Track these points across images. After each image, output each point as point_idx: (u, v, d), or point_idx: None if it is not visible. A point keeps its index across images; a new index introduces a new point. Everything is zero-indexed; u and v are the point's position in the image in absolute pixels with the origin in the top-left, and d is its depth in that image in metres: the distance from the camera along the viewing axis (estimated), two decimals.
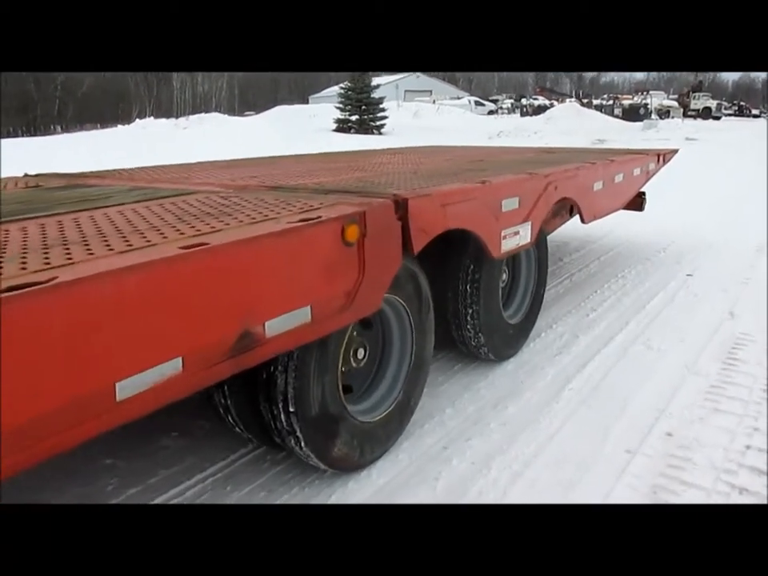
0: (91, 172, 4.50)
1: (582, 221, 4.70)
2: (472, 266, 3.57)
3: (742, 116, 53.40)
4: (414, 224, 2.74)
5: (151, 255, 1.80)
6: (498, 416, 3.39)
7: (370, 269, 2.51)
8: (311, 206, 2.52)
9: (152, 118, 36.94)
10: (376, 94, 34.58)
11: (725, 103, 57.75)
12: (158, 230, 2.12)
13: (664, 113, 40.47)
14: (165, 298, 1.80)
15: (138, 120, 35.84)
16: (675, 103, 44.74)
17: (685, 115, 40.08)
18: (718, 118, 44.54)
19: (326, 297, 2.35)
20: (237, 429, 2.81)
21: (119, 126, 33.77)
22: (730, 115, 51.29)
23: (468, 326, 3.69)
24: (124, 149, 18.30)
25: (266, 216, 2.34)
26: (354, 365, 2.89)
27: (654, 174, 6.19)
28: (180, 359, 1.88)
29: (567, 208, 5.56)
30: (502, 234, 3.48)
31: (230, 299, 1.99)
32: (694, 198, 10.18)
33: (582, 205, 4.54)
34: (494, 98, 63.98)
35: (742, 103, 60.37)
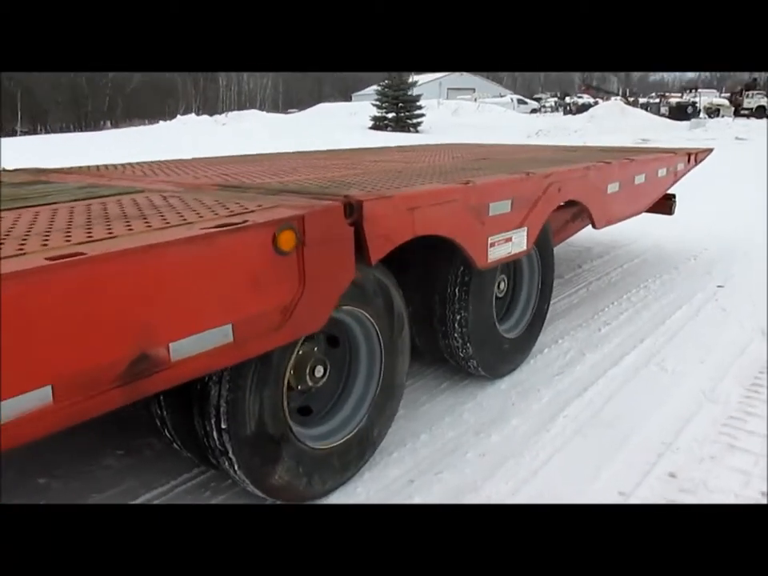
0: (72, 168, 4.30)
1: (593, 226, 4.28)
2: (462, 268, 3.21)
3: None
4: (370, 230, 2.40)
5: (9, 267, 1.52)
6: (477, 445, 3.02)
7: (312, 282, 2.19)
8: (246, 208, 2.22)
9: (193, 114, 37.43)
10: (418, 91, 34.34)
11: None
12: (45, 236, 1.84)
13: (713, 111, 38.92)
14: (25, 317, 1.51)
15: (179, 116, 36.35)
16: (726, 102, 42.99)
17: (737, 114, 38.45)
18: None
19: (253, 314, 2.04)
20: (175, 445, 2.53)
21: (161, 123, 34.32)
22: None
23: (455, 334, 3.33)
24: (161, 145, 18.46)
25: (185, 219, 2.05)
26: (310, 383, 2.57)
27: (683, 175, 5.69)
28: (50, 388, 1.60)
29: (587, 213, 5.16)
30: (490, 242, 3.11)
31: (119, 317, 1.70)
32: (738, 202, 9.52)
33: (593, 208, 4.12)
34: (538, 96, 62.82)
35: None
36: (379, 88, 35.11)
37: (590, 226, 5.23)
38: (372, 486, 2.70)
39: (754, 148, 18.93)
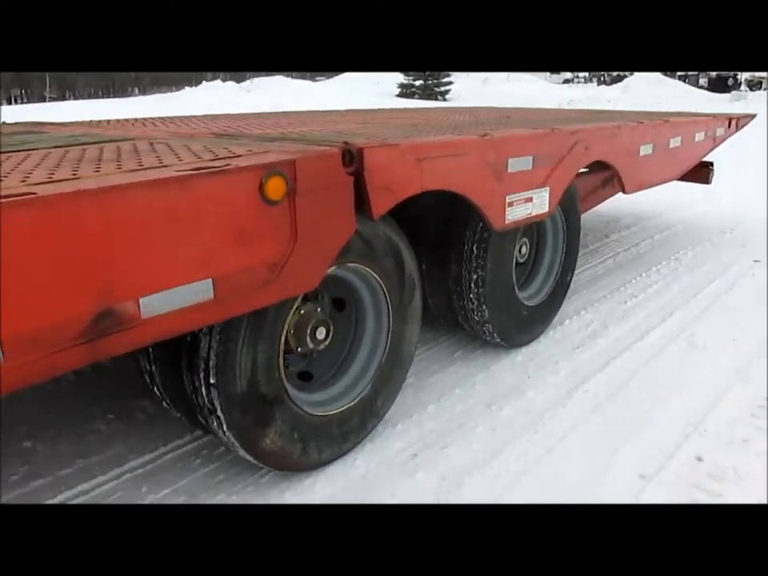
0: (73, 122, 4.12)
1: (623, 190, 3.98)
2: (481, 224, 2.97)
3: None
4: (372, 181, 2.18)
5: None
6: (488, 418, 2.82)
7: (305, 235, 1.99)
8: (233, 153, 2.01)
9: (219, 81, 37.15)
10: None
11: None
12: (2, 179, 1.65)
13: (755, 84, 37.38)
14: None
15: (205, 83, 36.12)
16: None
17: None
18: None
19: (237, 269, 1.84)
20: (164, 404, 2.37)
21: (186, 89, 34.13)
22: None
23: (471, 295, 3.10)
24: (183, 109, 18.25)
25: (161, 163, 1.85)
26: (311, 345, 2.38)
27: (722, 141, 5.33)
28: None
29: (616, 176, 4.85)
30: (507, 201, 2.87)
31: (78, 267, 1.51)
32: None
33: (623, 170, 3.83)
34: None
35: None
36: None
37: (618, 195, 4.96)
38: (373, 459, 2.52)
39: None
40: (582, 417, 2.84)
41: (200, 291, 1.77)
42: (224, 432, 2.13)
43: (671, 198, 7.29)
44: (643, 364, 3.33)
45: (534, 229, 3.61)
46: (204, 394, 2.07)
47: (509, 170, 2.84)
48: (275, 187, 1.88)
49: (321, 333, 2.40)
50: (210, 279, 1.79)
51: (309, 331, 2.35)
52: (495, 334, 3.23)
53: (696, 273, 4.81)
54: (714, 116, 5.31)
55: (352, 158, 2.12)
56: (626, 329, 3.77)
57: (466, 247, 3.00)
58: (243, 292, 1.88)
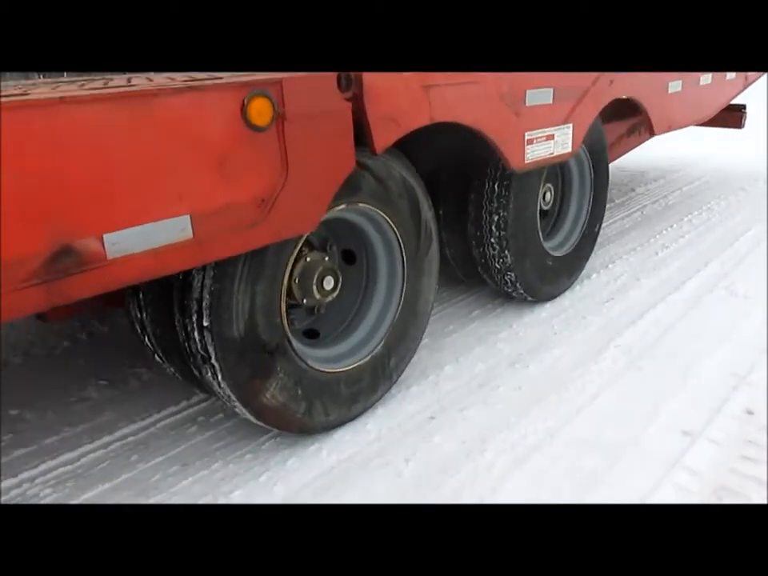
0: None
1: (651, 131, 3.67)
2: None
3: None
4: (373, 108, 1.93)
5: None
6: (512, 377, 2.58)
7: (297, 168, 1.75)
8: (215, 77, 1.76)
9: None
10: None
11: None
12: None
13: None
14: None
15: None
16: None
17: None
18: None
19: (218, 205, 1.62)
20: (157, 357, 2.15)
21: None
22: None
23: (492, 240, 2.83)
24: None
25: (130, 83, 1.61)
26: (318, 296, 2.15)
27: (753, 81, 4.96)
28: None
29: (647, 124, 4.53)
30: (527, 138, 2.59)
31: (27, 196, 1.29)
32: None
33: (651, 109, 3.51)
34: None
35: None
36: None
37: (643, 148, 4.65)
38: (385, 423, 2.30)
39: None
40: (615, 373, 2.59)
41: (176, 229, 1.55)
42: (219, 384, 1.91)
43: (698, 149, 6.93)
44: (681, 315, 3.06)
45: (558, 174, 3.33)
46: (197, 340, 1.85)
47: (527, 104, 2.56)
48: (260, 110, 1.64)
49: (328, 283, 2.17)
50: (188, 216, 1.56)
51: (315, 281, 2.13)
52: (518, 284, 2.97)
53: (730, 222, 4.49)
54: None
55: (349, 81, 1.86)
56: (658, 280, 3.49)
57: (487, 186, 2.74)
58: (227, 232, 1.65)
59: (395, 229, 2.31)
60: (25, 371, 2.73)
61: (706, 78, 4.12)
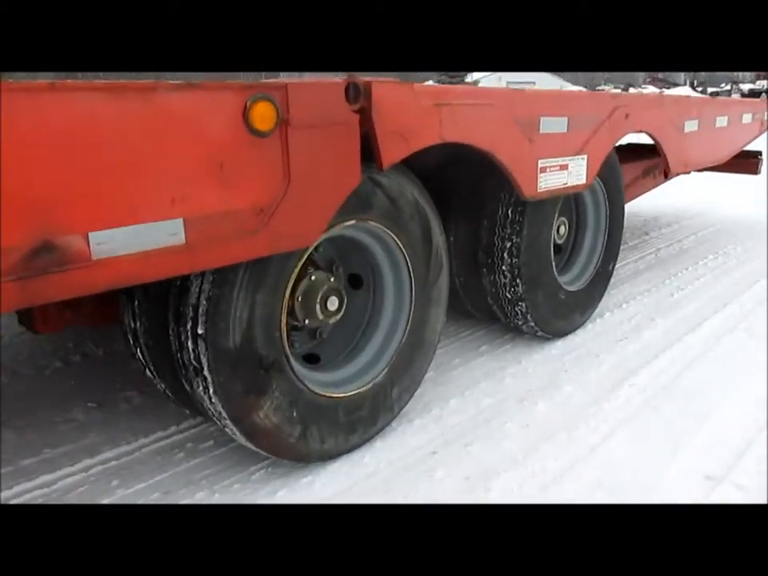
0: None
1: (667, 170, 3.60)
2: None
3: None
4: (381, 122, 1.86)
5: None
6: (520, 414, 2.44)
7: (300, 177, 1.68)
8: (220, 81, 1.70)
9: None
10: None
11: None
12: None
13: None
14: None
15: None
16: None
17: None
18: None
19: (215, 210, 1.53)
20: (148, 371, 2.03)
21: None
22: None
23: (504, 267, 2.72)
24: None
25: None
26: (321, 317, 2.06)
27: None
28: None
29: (661, 167, 4.48)
30: (540, 165, 2.52)
31: (8, 185, 1.21)
32: None
33: (667, 146, 3.45)
34: (601, 87, 60.82)
35: None
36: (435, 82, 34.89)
37: (656, 194, 4.59)
38: (384, 457, 2.16)
39: None
40: (630, 413, 2.45)
41: (168, 232, 1.46)
42: (210, 399, 1.79)
43: (713, 197, 6.87)
44: (698, 356, 2.93)
45: (572, 209, 3.26)
46: (190, 349, 1.74)
47: (541, 131, 2.49)
48: (263, 114, 1.57)
49: (333, 303, 2.08)
50: (181, 219, 1.48)
51: (319, 300, 2.04)
52: (529, 316, 2.85)
53: (748, 266, 4.38)
54: (762, 99, 4.91)
55: (357, 93, 1.80)
56: (674, 320, 3.36)
57: (500, 212, 2.66)
58: (222, 240, 1.56)
59: (405, 252, 2.23)
60: (11, 391, 2.62)
61: (722, 119, 4.08)
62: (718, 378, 2.69)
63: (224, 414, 1.79)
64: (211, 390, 1.75)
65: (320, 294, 2.03)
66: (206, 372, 1.73)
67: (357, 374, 2.26)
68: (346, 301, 2.15)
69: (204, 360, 1.72)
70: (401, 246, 2.21)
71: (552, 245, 2.91)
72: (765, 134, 5.02)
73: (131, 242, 1.41)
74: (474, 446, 2.22)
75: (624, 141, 3.31)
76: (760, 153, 5.04)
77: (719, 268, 4.35)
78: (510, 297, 2.78)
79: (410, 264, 2.26)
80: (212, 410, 1.81)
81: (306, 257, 1.92)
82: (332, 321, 2.12)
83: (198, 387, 1.78)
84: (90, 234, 1.34)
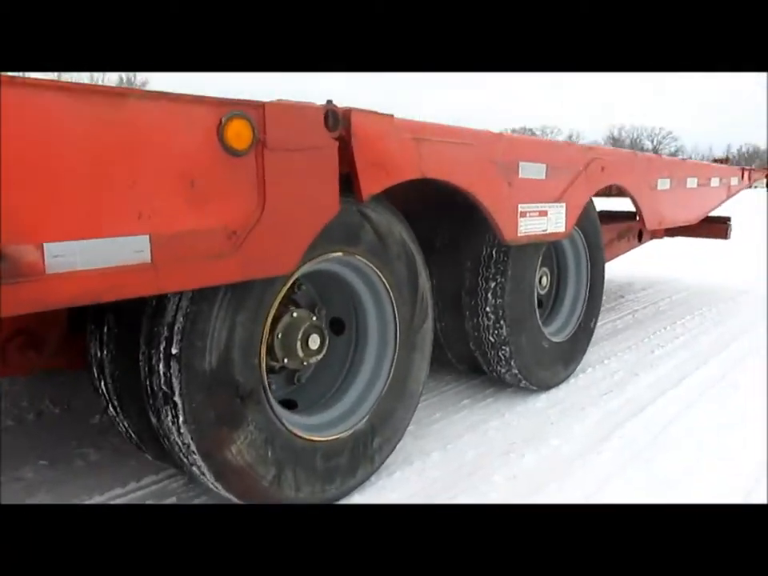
0: None
1: (643, 226, 3.63)
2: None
3: None
4: (361, 152, 1.82)
5: None
6: (506, 466, 2.30)
7: (276, 201, 1.60)
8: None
9: None
10: None
11: None
12: None
13: None
14: None
15: None
16: None
17: None
18: None
19: (184, 228, 1.44)
20: (110, 408, 1.86)
21: None
22: None
23: (488, 309, 2.65)
24: None
25: None
26: (301, 355, 1.95)
27: (737, 193, 5.06)
28: None
29: (635, 231, 4.56)
30: (520, 209, 2.49)
31: None
32: None
33: (642, 201, 3.49)
34: None
35: None
36: None
37: (629, 259, 4.64)
38: None
39: None
40: (621, 465, 2.32)
41: (133, 249, 1.36)
42: (179, 429, 1.63)
43: (681, 265, 7.02)
44: (684, 409, 2.84)
45: (554, 261, 3.26)
46: (161, 372, 1.61)
47: (520, 175, 2.49)
48: (239, 133, 1.51)
49: (314, 341, 1.98)
50: (147, 236, 1.38)
51: (300, 337, 1.93)
52: (512, 362, 2.75)
53: (724, 326, 4.38)
54: (729, 166, 5.08)
55: (336, 120, 1.76)
56: (656, 376, 3.30)
57: (485, 252, 2.63)
58: (192, 261, 1.46)
59: (390, 292, 2.15)
60: None
61: (692, 180, 4.17)
62: (707, 432, 2.60)
63: (193, 448, 1.63)
64: (181, 419, 1.60)
65: (301, 331, 1.93)
66: (176, 398, 1.59)
67: (337, 419, 2.13)
68: (327, 341, 2.04)
69: (176, 384, 1.59)
70: (387, 285, 2.14)
71: (536, 287, 2.87)
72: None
73: (92, 257, 1.30)
74: (458, 500, 2.06)
75: (599, 208, 3.37)
76: (729, 218, 5.16)
77: (696, 328, 4.34)
78: (493, 340, 2.69)
79: (395, 304, 2.17)
80: (180, 444, 1.66)
81: (289, 283, 1.83)
82: (312, 360, 2.01)
83: (167, 417, 1.63)
84: (45, 244, 1.23)
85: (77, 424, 2.66)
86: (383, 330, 2.22)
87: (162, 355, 1.59)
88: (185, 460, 1.71)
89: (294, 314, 1.94)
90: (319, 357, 2.02)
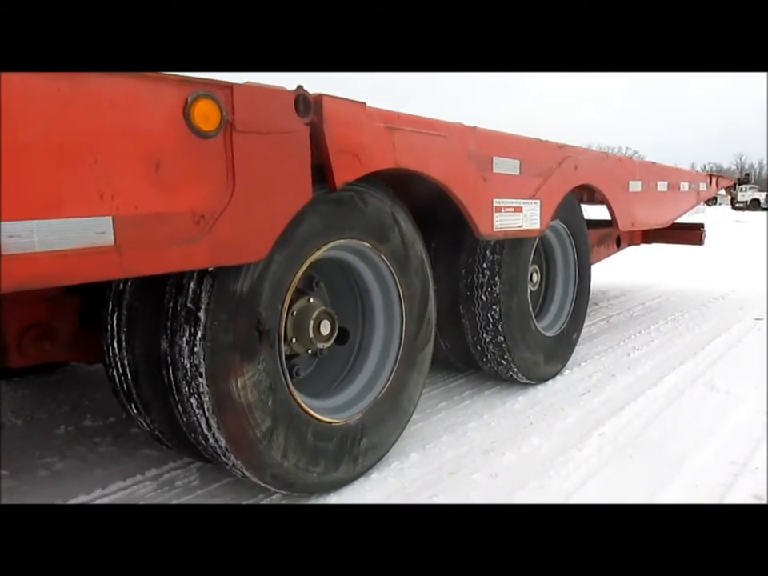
0: None
1: (616, 226, 3.64)
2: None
3: None
4: (333, 139, 1.78)
5: None
6: (487, 465, 2.25)
7: (245, 185, 1.55)
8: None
9: None
10: None
11: None
12: None
13: (711, 200, 39.24)
14: None
15: None
16: (723, 192, 43.52)
17: (733, 207, 38.72)
18: (767, 209, 42.84)
19: (149, 211, 1.38)
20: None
21: None
22: None
23: (483, 294, 2.78)
24: None
25: None
26: (311, 336, 2.01)
27: (705, 198, 5.15)
28: None
29: (614, 238, 4.60)
30: (495, 204, 2.47)
31: None
32: (748, 261, 8.92)
33: (614, 202, 3.51)
34: None
35: None
36: None
37: (602, 268, 4.67)
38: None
39: (752, 228, 18.80)
40: (603, 461, 2.28)
41: (95, 230, 1.30)
42: (193, 349, 1.64)
43: (654, 273, 7.09)
44: (663, 408, 2.82)
45: (543, 260, 3.38)
46: (191, 290, 1.67)
47: (494, 170, 2.47)
48: (205, 113, 1.46)
49: (325, 327, 2.03)
50: (110, 217, 1.32)
51: (314, 319, 1.99)
52: (505, 345, 2.86)
53: (697, 330, 4.40)
54: (698, 172, 5.17)
55: (307, 105, 1.72)
56: (634, 377, 3.28)
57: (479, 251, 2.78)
58: (157, 245, 1.40)
59: (403, 303, 2.21)
60: None
61: (663, 184, 4.22)
62: (687, 428, 2.58)
63: (201, 369, 1.63)
64: (199, 335, 1.63)
65: (313, 313, 2.00)
66: (200, 313, 1.64)
67: (333, 409, 2.15)
68: (337, 328, 2.09)
69: (204, 299, 1.64)
70: (401, 295, 2.20)
71: (529, 280, 3.01)
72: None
73: (51, 238, 1.23)
74: (438, 498, 2.00)
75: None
76: (703, 225, 5.24)
77: (671, 332, 4.35)
78: (487, 325, 2.83)
79: (404, 318, 2.23)
80: (188, 366, 1.66)
81: (329, 245, 1.93)
82: (319, 346, 2.05)
83: (183, 336, 1.65)
84: (0, 224, 1.16)
85: (40, 436, 2.55)
86: (389, 338, 2.26)
87: (195, 273, 1.65)
88: (187, 387, 1.68)
89: (311, 300, 2.02)
90: (326, 345, 2.06)
